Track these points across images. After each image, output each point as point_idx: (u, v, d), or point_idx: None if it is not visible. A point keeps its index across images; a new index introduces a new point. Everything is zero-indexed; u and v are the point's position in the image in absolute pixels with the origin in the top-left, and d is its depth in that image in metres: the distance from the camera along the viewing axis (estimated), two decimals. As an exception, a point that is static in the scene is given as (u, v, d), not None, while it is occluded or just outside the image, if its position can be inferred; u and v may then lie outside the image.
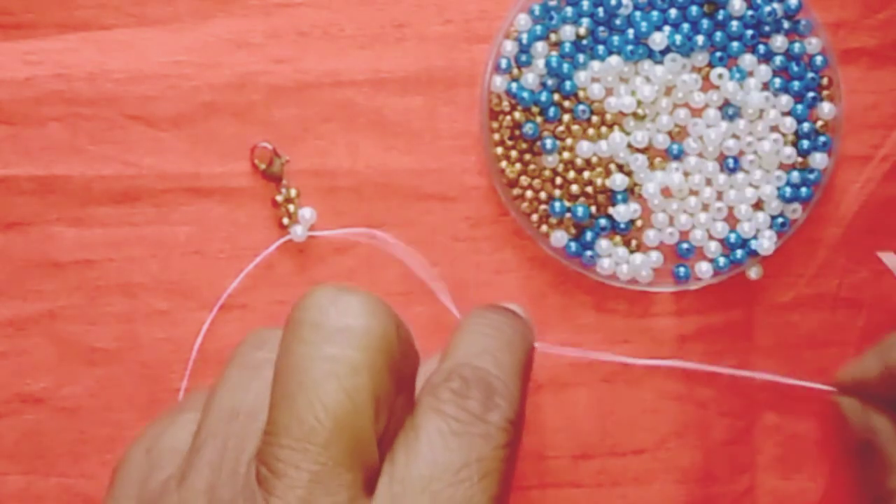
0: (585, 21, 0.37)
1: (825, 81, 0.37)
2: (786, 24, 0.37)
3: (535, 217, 0.37)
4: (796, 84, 0.37)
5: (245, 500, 0.24)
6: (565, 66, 0.36)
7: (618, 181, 0.37)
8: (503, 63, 0.37)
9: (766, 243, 0.37)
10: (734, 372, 0.37)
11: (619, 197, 0.37)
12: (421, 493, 0.24)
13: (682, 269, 0.37)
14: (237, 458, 0.24)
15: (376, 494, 0.24)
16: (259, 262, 0.37)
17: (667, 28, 0.37)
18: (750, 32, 0.37)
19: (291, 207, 0.37)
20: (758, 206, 0.37)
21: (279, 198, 0.37)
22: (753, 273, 0.38)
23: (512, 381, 0.27)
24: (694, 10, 0.37)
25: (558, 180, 0.37)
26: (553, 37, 0.37)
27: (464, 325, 0.29)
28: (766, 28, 0.37)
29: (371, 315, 0.25)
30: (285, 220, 0.37)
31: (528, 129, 0.37)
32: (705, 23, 0.37)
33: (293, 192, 0.37)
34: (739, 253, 0.37)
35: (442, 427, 0.25)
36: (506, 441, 0.26)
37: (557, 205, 0.37)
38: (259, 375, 0.26)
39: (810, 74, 0.37)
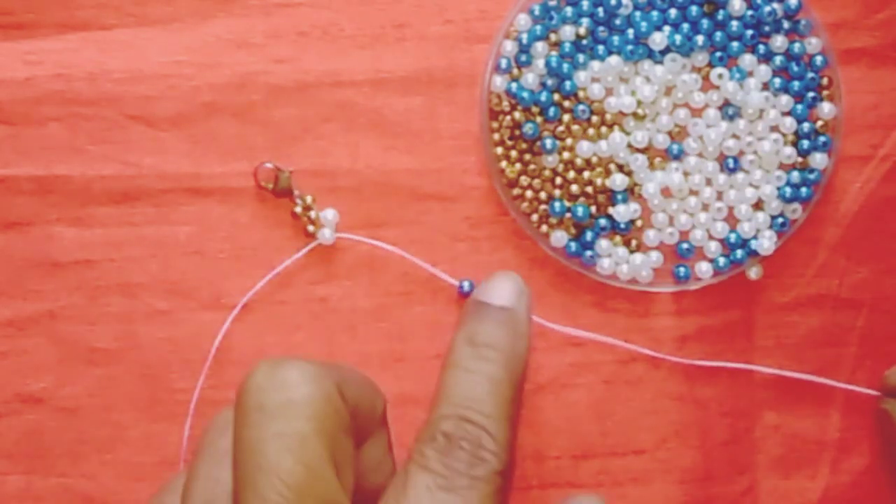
0: (585, 21, 0.37)
1: (825, 81, 0.37)
2: (786, 24, 0.37)
3: (535, 217, 0.37)
4: (796, 84, 0.37)
5: None
6: (565, 66, 0.36)
7: (618, 181, 0.37)
8: (503, 63, 0.37)
9: (766, 243, 0.37)
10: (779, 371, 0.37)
11: (619, 197, 0.37)
12: None
13: (682, 269, 0.37)
14: None
15: None
16: (256, 262, 0.37)
17: (667, 28, 0.37)
18: (750, 32, 0.37)
19: (313, 214, 0.37)
20: (758, 206, 0.37)
21: (297, 209, 0.37)
22: (753, 273, 0.38)
23: (499, 427, 0.28)
24: (694, 10, 0.37)
25: (558, 180, 0.37)
26: (553, 37, 0.37)
27: (452, 360, 0.30)
28: (766, 28, 0.37)
29: (310, 383, 0.26)
30: (310, 228, 0.37)
31: (528, 129, 0.37)
32: (705, 23, 0.37)
33: (309, 199, 0.37)
34: (739, 253, 0.37)
35: (429, 483, 0.26)
36: (493, 490, 0.27)
37: (557, 205, 0.37)
38: (225, 464, 0.26)
39: (810, 74, 0.37)
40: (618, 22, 0.37)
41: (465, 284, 0.37)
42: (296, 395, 0.25)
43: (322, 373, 0.26)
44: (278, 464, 0.24)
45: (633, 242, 0.37)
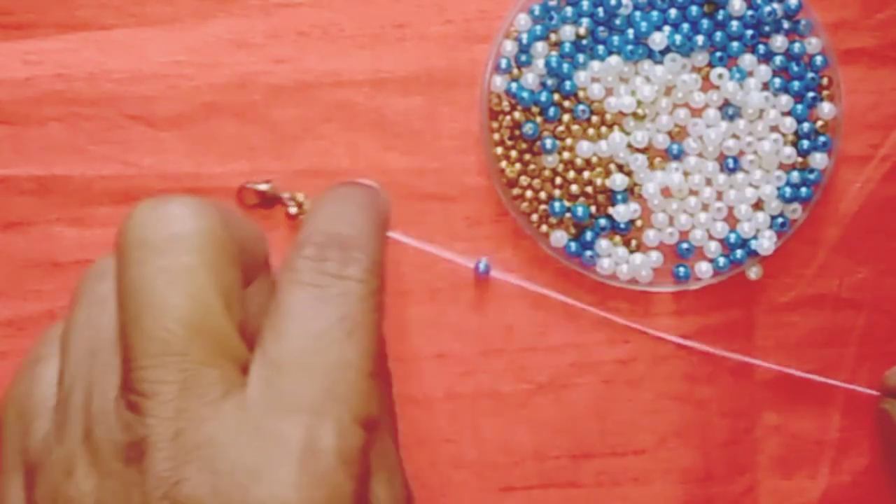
0: (585, 21, 0.37)
1: (825, 81, 0.37)
2: (786, 24, 0.37)
3: (535, 217, 0.37)
4: (796, 84, 0.37)
5: (122, 432, 0.23)
6: (565, 66, 0.36)
7: (618, 181, 0.37)
8: (503, 63, 0.37)
9: (766, 243, 0.37)
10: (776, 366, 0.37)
11: (619, 197, 0.37)
12: (293, 368, 0.24)
13: (682, 269, 0.37)
14: (105, 394, 0.24)
15: (249, 381, 0.24)
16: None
17: (667, 28, 0.37)
18: (750, 32, 0.37)
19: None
20: (758, 206, 0.37)
21: (292, 210, 0.37)
22: (753, 273, 0.38)
23: (366, 236, 0.27)
24: (694, 10, 0.37)
25: (558, 180, 0.37)
26: (553, 37, 0.37)
27: (315, 202, 0.29)
28: (766, 28, 0.37)
29: (194, 216, 0.25)
30: None
31: (528, 129, 0.37)
32: (705, 23, 0.37)
33: (300, 196, 0.37)
34: (739, 253, 0.37)
35: (303, 297, 0.25)
36: (368, 291, 0.25)
37: (557, 205, 0.37)
38: (106, 309, 0.25)
39: (810, 74, 0.37)
40: (618, 22, 0.37)
41: (482, 265, 0.37)
42: (180, 229, 0.24)
43: (206, 207, 0.25)
44: (165, 298, 0.24)
45: (633, 242, 0.37)
